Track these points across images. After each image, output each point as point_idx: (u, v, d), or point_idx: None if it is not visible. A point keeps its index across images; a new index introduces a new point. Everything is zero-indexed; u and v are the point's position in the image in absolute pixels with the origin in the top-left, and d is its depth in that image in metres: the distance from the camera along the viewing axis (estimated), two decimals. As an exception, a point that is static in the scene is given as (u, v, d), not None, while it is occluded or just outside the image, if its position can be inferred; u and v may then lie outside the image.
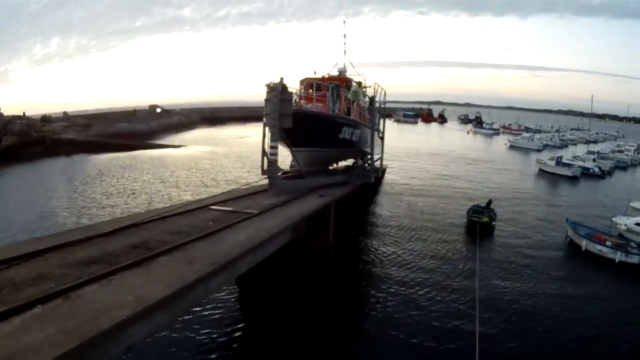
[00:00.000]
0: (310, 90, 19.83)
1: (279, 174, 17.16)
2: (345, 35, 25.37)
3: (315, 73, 22.23)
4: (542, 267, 16.67)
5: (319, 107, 18.57)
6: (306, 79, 21.33)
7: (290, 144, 16.78)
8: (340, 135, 19.31)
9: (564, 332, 11.96)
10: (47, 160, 39.87)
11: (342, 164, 25.45)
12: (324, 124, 18.18)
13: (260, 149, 16.62)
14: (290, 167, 20.36)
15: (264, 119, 16.49)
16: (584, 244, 18.37)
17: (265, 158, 16.70)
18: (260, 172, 17.15)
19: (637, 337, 12.07)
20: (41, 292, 6.46)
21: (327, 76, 22.80)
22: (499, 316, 12.46)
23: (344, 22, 26.04)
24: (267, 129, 16.29)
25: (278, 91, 15.33)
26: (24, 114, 51.53)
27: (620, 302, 14.25)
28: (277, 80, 15.79)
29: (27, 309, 5.96)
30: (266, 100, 16.10)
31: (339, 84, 20.55)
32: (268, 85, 16.04)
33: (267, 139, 16.28)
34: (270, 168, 16.29)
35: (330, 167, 23.46)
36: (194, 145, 49.49)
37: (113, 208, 22.02)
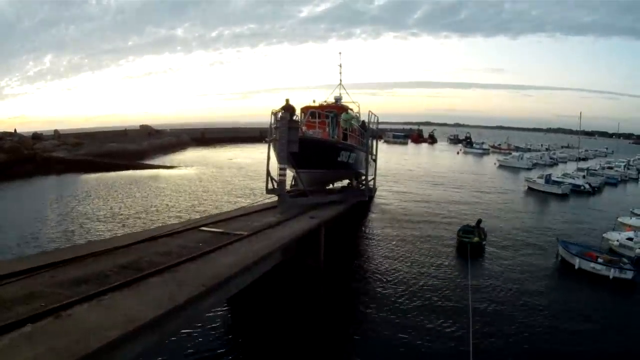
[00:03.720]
0: (311, 118, 21.81)
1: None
2: (340, 65, 28.31)
3: (314, 101, 24.40)
4: (538, 287, 16.56)
5: (320, 133, 20.75)
6: (307, 106, 23.25)
7: (296, 165, 18.79)
8: (339, 159, 21.28)
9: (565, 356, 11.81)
10: (38, 179, 39.63)
11: (338, 184, 27.17)
12: (325, 149, 20.40)
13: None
14: (291, 187, 22.10)
15: (271, 143, 18.73)
16: (577, 262, 18.29)
17: (269, 178, 19.01)
18: (265, 191, 19.25)
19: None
20: (31, 310, 6.50)
21: (325, 103, 25.07)
22: (494, 340, 12.25)
23: (340, 53, 29.92)
24: (271, 151, 18.69)
25: (286, 120, 17.31)
26: (15, 130, 51.50)
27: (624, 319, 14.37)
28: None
29: (17, 328, 5.99)
30: (275, 127, 18.17)
31: (337, 113, 23.06)
32: (275, 114, 18.39)
33: (272, 161, 18.64)
34: (280, 187, 18.18)
35: (327, 187, 25.20)
36: (185, 167, 49.50)
37: (101, 232, 21.83)
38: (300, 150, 17.53)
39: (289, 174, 19.90)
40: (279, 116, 17.87)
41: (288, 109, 18.43)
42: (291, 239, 13.38)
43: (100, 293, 7.44)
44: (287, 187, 21.17)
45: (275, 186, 18.72)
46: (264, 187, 19.32)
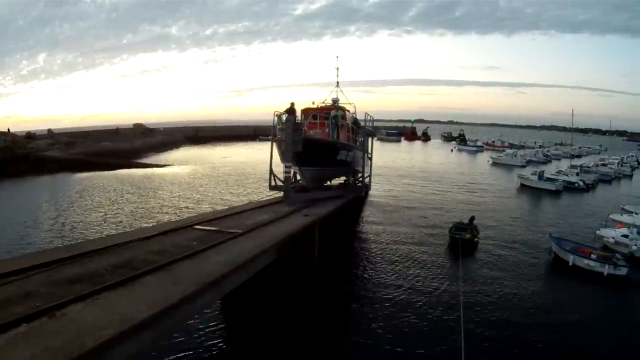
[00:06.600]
0: (312, 119, 23.22)
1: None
2: (337, 68, 29.53)
3: (313, 103, 25.87)
4: (532, 284, 16.57)
5: (320, 133, 22.37)
6: (307, 108, 24.67)
7: (300, 163, 19.86)
8: (338, 157, 22.52)
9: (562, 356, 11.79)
10: (31, 178, 39.42)
11: (334, 182, 27.99)
12: (326, 148, 21.71)
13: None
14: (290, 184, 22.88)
15: (275, 143, 20.11)
16: (571, 258, 18.30)
17: (272, 175, 20.59)
18: (268, 188, 21.02)
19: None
20: (26, 310, 6.54)
21: (323, 104, 26.65)
22: (486, 338, 12.27)
23: (337, 57, 30.53)
24: (275, 150, 20.15)
25: (292, 122, 18.80)
26: (8, 130, 51.20)
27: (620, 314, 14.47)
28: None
29: (13, 327, 6.03)
30: (280, 128, 19.82)
31: (336, 115, 24.11)
32: (279, 116, 20.04)
33: (274, 159, 20.22)
34: (286, 183, 19.86)
35: (326, 185, 26.18)
36: (178, 165, 49.52)
37: (95, 231, 21.76)
38: (303, 150, 18.74)
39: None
40: (284, 118, 19.32)
41: (292, 111, 19.70)
42: (285, 237, 13.46)
43: (95, 292, 7.48)
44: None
45: (278, 183, 20.39)
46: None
